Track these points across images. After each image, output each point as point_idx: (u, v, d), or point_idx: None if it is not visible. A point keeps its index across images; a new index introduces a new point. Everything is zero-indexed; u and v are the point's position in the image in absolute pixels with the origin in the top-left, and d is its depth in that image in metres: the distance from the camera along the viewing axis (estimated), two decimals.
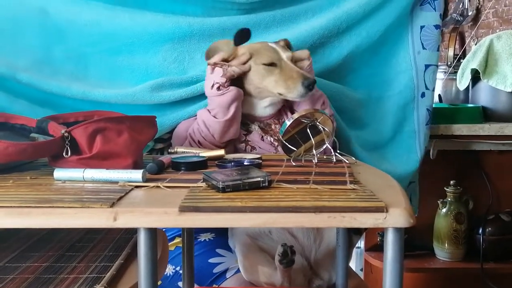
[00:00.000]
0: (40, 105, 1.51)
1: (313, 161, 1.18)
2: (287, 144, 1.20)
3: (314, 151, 1.19)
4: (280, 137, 1.20)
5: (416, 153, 1.82)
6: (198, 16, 1.60)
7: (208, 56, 1.47)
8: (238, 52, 1.44)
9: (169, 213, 0.82)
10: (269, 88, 1.44)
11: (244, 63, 1.42)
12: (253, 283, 1.33)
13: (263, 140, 1.48)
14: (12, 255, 1.09)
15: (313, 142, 1.20)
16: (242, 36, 1.39)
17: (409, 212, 0.83)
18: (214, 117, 1.42)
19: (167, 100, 1.53)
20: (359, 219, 0.82)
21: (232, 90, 1.41)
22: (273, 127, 1.50)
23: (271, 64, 1.43)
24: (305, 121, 1.21)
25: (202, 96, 1.53)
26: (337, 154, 1.21)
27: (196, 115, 1.49)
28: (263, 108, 1.50)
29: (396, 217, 0.82)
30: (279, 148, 1.45)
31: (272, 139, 1.48)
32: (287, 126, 1.19)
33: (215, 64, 1.41)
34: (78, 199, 0.87)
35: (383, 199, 0.86)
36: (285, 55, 1.44)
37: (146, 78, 1.55)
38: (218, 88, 1.40)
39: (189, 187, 0.96)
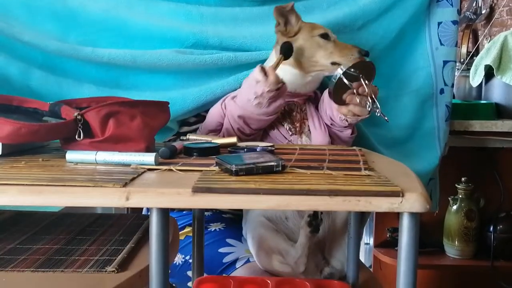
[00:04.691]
0: (60, 76, 1.52)
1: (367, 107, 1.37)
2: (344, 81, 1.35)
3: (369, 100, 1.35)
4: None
5: (436, 149, 1.81)
6: (211, 6, 1.59)
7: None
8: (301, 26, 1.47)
9: (182, 193, 0.81)
10: (322, 60, 1.45)
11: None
12: (263, 264, 1.32)
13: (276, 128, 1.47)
14: (23, 237, 1.08)
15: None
16: (287, 48, 1.41)
17: (425, 197, 0.81)
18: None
19: (192, 61, 1.52)
20: (375, 203, 0.81)
21: (280, 100, 1.38)
22: (294, 114, 1.48)
23: (326, 36, 1.46)
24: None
25: (223, 71, 1.55)
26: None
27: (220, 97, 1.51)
28: (303, 84, 1.49)
29: (412, 202, 0.81)
30: (293, 140, 1.45)
31: (289, 127, 1.47)
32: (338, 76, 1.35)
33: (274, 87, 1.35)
34: (91, 179, 0.86)
35: (398, 184, 0.85)
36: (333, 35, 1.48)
37: None
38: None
39: (201, 170, 0.95)
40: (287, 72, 1.44)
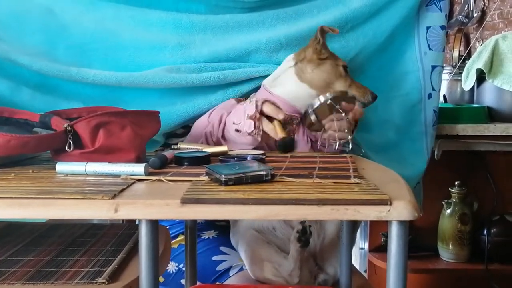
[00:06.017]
0: (48, 94, 1.51)
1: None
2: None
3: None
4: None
5: (424, 154, 1.81)
6: (201, 14, 1.59)
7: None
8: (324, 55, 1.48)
9: (171, 205, 0.82)
10: (338, 87, 1.46)
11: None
12: (258, 277, 1.32)
13: None
14: (14, 249, 1.08)
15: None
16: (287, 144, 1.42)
17: (413, 205, 0.82)
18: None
19: (179, 82, 1.51)
20: (363, 211, 0.81)
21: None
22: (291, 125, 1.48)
23: (346, 69, 1.49)
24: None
25: (212, 88, 1.54)
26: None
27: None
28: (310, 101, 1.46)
29: (400, 210, 0.81)
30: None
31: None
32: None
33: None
34: (80, 191, 0.86)
35: (387, 192, 0.85)
36: None
37: None
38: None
39: (191, 180, 0.95)
40: (304, 90, 1.44)
